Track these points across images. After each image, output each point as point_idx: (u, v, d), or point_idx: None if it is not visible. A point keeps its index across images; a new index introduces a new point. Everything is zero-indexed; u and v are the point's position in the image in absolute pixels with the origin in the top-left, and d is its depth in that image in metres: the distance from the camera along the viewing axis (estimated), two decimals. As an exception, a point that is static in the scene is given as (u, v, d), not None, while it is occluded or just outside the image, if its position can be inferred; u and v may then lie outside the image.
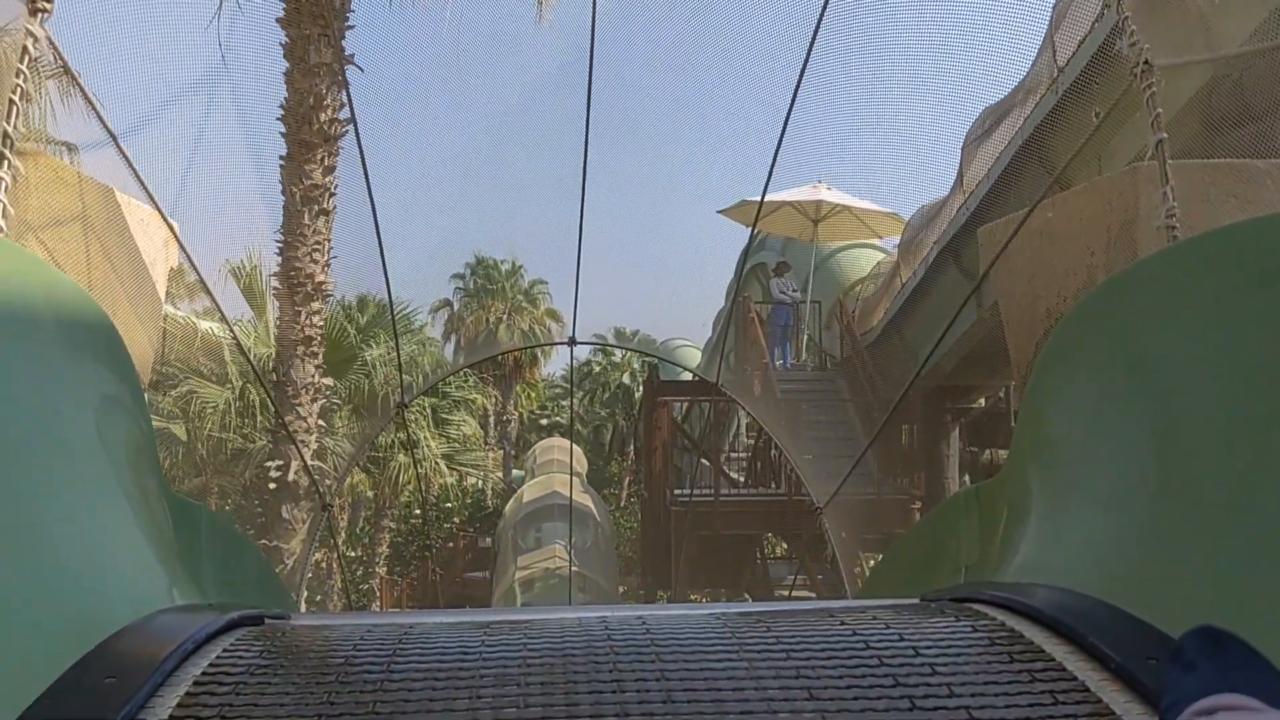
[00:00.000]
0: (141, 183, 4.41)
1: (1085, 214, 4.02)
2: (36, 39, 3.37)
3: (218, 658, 2.18)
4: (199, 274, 5.40)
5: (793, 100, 7.28)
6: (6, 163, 3.15)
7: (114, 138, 4.14)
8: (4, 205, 3.12)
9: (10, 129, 3.19)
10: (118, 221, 4.27)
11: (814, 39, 6.65)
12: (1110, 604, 2.28)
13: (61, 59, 3.75)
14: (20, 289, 2.56)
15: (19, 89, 3.22)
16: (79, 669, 1.94)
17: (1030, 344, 4.39)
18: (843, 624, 2.44)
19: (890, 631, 2.36)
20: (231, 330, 8.96)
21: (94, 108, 4.11)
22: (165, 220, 4.62)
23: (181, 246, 4.74)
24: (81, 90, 4.07)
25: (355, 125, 9.05)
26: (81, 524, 2.46)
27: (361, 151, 8.08)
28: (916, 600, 2.92)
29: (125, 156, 4.24)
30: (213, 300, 6.83)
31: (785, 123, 7.57)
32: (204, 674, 2.08)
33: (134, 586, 2.55)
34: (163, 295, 4.58)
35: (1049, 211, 4.18)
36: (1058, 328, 3.41)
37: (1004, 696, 1.99)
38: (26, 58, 3.30)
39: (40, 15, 3.38)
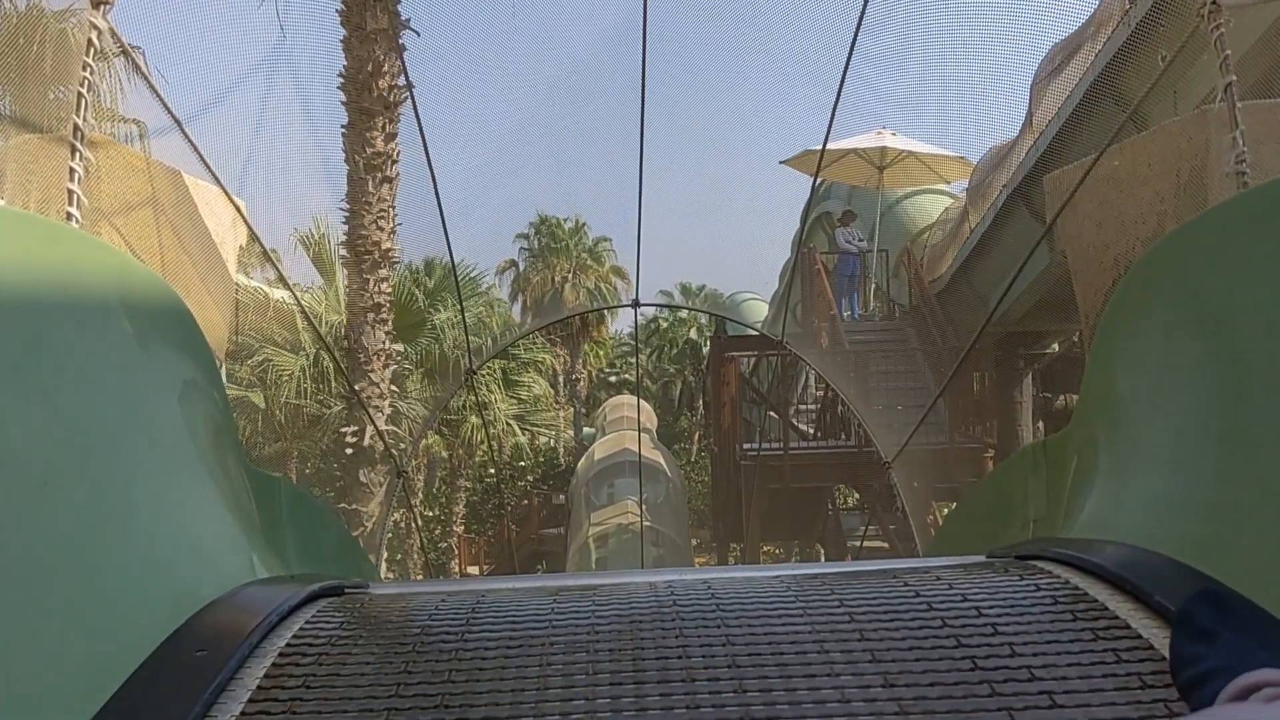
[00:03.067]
0: (207, 165, 4.51)
1: (1154, 160, 3.91)
2: (100, 31, 3.47)
3: (301, 629, 2.28)
4: (265, 250, 5.52)
5: (853, 44, 7.14)
6: (79, 155, 3.26)
7: (179, 123, 4.24)
8: (78, 196, 3.23)
9: (80, 122, 3.30)
10: (186, 203, 4.38)
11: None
12: (1175, 560, 2.27)
13: (125, 49, 3.84)
14: (97, 279, 2.66)
15: (85, 81, 3.32)
16: (171, 643, 2.05)
17: (1099, 293, 4.30)
18: (906, 585, 2.46)
19: (953, 592, 2.37)
20: (299, 302, 9.12)
21: (158, 95, 4.22)
22: (231, 199, 4.73)
23: (248, 224, 4.86)
24: (145, 79, 4.18)
25: (411, 91, 9.11)
26: (169, 504, 2.58)
27: (418, 117, 8.15)
28: (982, 558, 2.93)
29: (190, 141, 4.34)
30: (279, 274, 6.98)
31: (845, 69, 7.44)
32: (288, 645, 2.18)
33: (220, 562, 2.66)
34: (234, 272, 4.70)
35: (1115, 160, 4.06)
36: (1124, 279, 3.34)
37: (1067, 655, 2.00)
38: (92, 50, 3.40)
39: (103, 7, 3.47)
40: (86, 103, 3.32)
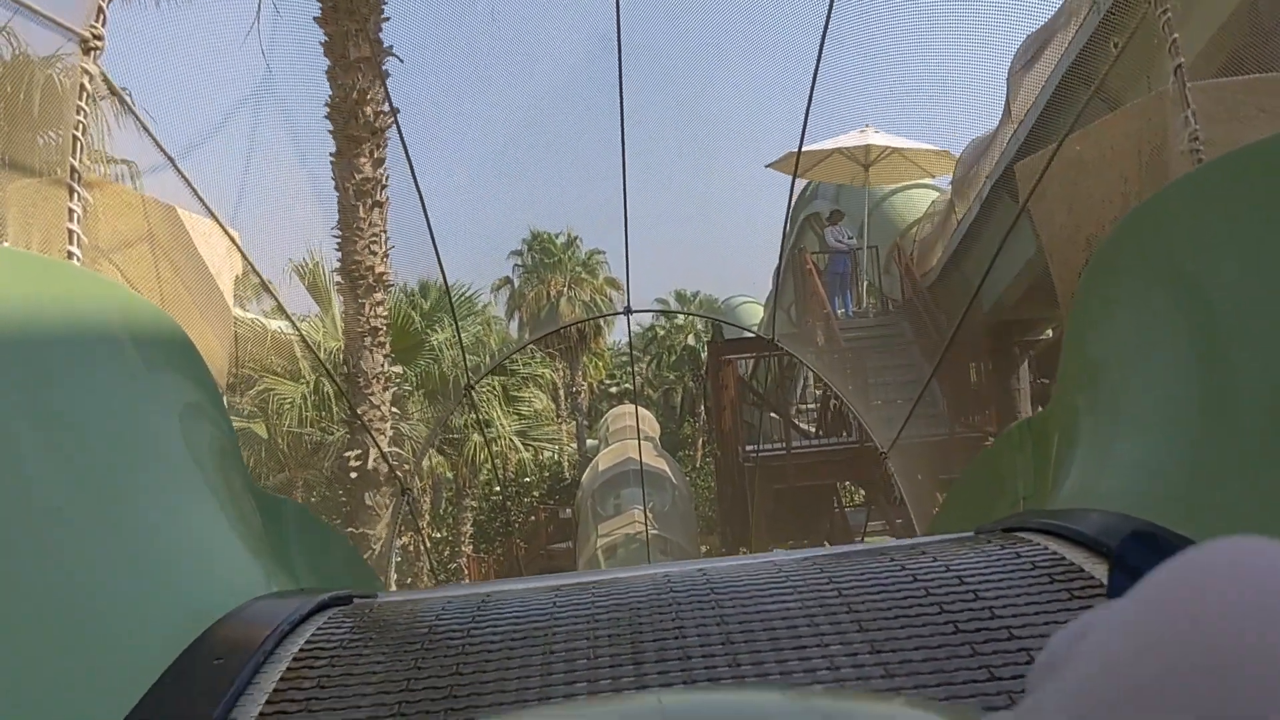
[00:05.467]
0: (200, 198, 4.61)
1: (1116, 142, 4.02)
2: (91, 76, 3.58)
3: (312, 636, 2.37)
4: (261, 278, 5.62)
5: (821, 43, 7.29)
6: (76, 195, 3.36)
7: (172, 160, 4.35)
8: (78, 235, 3.34)
9: (76, 164, 3.40)
10: (182, 237, 4.49)
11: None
12: (1151, 524, 2.36)
13: (116, 93, 3.95)
14: (102, 313, 2.76)
15: (80, 124, 3.43)
16: (189, 654, 2.14)
17: (1074, 273, 4.39)
18: (893, 560, 2.56)
19: (937, 564, 2.47)
20: (296, 328, 9.22)
21: (149, 132, 4.32)
22: (225, 230, 4.83)
23: (243, 254, 4.96)
24: (137, 118, 4.28)
25: (395, 118, 9.25)
26: (180, 524, 2.67)
27: (404, 142, 8.27)
28: (970, 534, 3.02)
29: (182, 174, 4.45)
30: (277, 301, 7.08)
31: (815, 70, 7.60)
32: (301, 651, 2.28)
33: (232, 577, 2.75)
34: (231, 302, 4.80)
35: (1078, 145, 4.17)
36: (1094, 254, 3.45)
37: (1044, 615, 2.10)
38: (84, 94, 3.51)
39: (93, 53, 3.58)
40: (81, 145, 3.43)
